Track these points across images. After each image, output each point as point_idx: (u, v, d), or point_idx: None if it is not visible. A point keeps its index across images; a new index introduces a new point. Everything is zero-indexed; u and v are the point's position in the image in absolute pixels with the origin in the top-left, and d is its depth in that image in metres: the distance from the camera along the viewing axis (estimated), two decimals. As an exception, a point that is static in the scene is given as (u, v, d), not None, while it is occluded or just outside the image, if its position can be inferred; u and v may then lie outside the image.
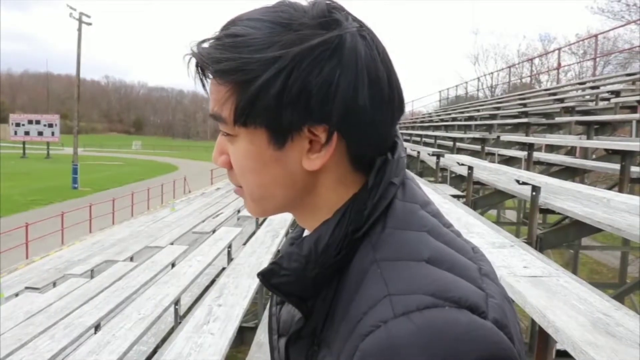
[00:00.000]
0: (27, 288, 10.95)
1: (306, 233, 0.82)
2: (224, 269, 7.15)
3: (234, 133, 0.73)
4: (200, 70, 0.76)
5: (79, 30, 35.82)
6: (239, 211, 11.16)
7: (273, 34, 0.70)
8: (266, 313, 4.73)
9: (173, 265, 8.00)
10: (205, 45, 0.74)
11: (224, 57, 0.70)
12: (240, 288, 4.99)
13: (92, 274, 10.49)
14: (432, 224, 0.73)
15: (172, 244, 10.12)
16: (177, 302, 6.17)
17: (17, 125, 68.54)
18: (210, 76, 0.74)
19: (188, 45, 0.75)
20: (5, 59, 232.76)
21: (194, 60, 0.75)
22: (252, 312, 4.85)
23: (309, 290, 0.72)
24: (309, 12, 0.71)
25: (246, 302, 4.62)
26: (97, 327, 6.04)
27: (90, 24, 36.84)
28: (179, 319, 6.24)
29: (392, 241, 0.70)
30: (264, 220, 8.63)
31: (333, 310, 0.71)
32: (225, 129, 0.74)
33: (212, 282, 7.20)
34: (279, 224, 7.49)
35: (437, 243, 0.70)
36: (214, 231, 9.43)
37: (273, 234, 7.00)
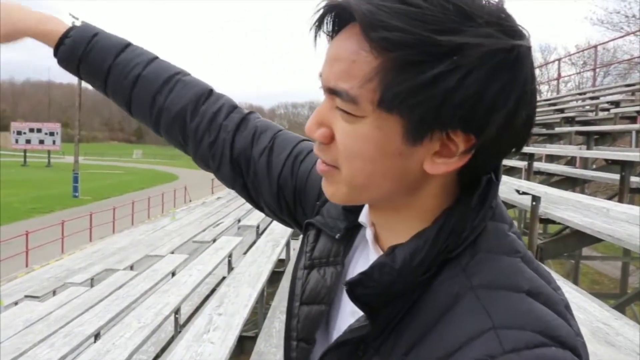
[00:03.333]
0: (26, 296, 10.93)
1: (363, 221, 0.80)
2: (224, 278, 7.15)
3: (361, 114, 0.65)
4: (331, 24, 0.68)
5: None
6: (239, 220, 11.17)
7: (455, 20, 0.61)
8: (267, 323, 4.74)
9: (173, 274, 7.99)
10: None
11: (395, 25, 0.61)
12: (240, 297, 4.99)
13: (92, 282, 10.48)
14: (523, 248, 0.70)
15: (172, 252, 10.12)
16: (177, 311, 6.17)
17: (19, 133, 68.72)
18: (345, 33, 0.66)
19: None
20: (7, 68, 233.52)
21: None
22: (252, 322, 4.86)
23: (385, 302, 0.69)
24: (486, 8, 0.63)
25: (246, 312, 4.62)
26: (97, 336, 6.03)
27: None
28: (179, 328, 6.23)
29: (488, 267, 0.67)
30: (265, 229, 8.64)
31: (402, 325, 0.68)
32: (349, 107, 0.65)
33: (213, 291, 7.20)
34: (280, 233, 7.50)
35: (531, 272, 0.67)
36: (214, 240, 9.43)
37: (274, 243, 7.00)
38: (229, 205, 18.37)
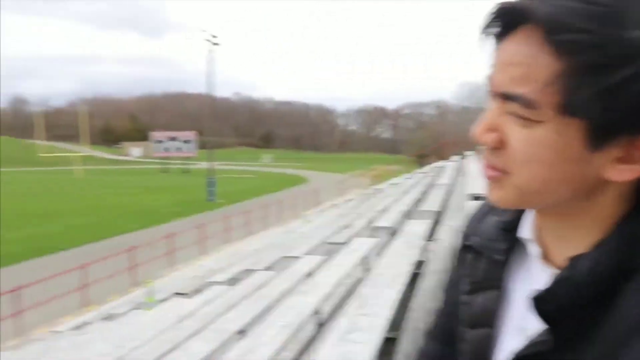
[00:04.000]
0: (176, 294, 11.70)
1: (524, 237, 0.78)
2: (361, 279, 7.24)
3: (539, 118, 0.62)
4: (503, 25, 0.65)
5: (211, 52, 37.97)
6: (371, 222, 11.23)
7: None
8: (409, 324, 4.75)
9: (310, 274, 8.20)
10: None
11: (579, 27, 0.58)
12: (381, 298, 5.03)
13: (233, 282, 10.99)
14: None
15: (308, 254, 10.37)
16: (317, 311, 6.34)
17: (159, 142, 73.76)
18: (518, 37, 0.63)
19: None
20: (146, 83, 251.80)
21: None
22: (394, 323, 4.88)
23: (568, 316, 0.67)
24: None
25: (389, 313, 4.66)
26: (242, 333, 6.34)
27: (218, 44, 38.84)
28: (320, 327, 6.40)
29: None
30: (398, 231, 8.62)
31: (585, 339, 0.66)
32: (526, 112, 0.63)
33: (351, 292, 7.32)
34: (415, 235, 7.45)
35: None
36: (348, 242, 9.56)
37: (409, 244, 6.97)
38: (360, 207, 18.52)
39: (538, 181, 0.65)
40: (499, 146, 0.66)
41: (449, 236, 8.03)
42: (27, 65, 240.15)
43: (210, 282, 11.65)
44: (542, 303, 0.68)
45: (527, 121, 0.63)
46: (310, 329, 6.48)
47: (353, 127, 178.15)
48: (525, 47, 0.61)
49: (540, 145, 0.63)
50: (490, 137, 0.67)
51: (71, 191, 46.36)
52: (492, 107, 0.67)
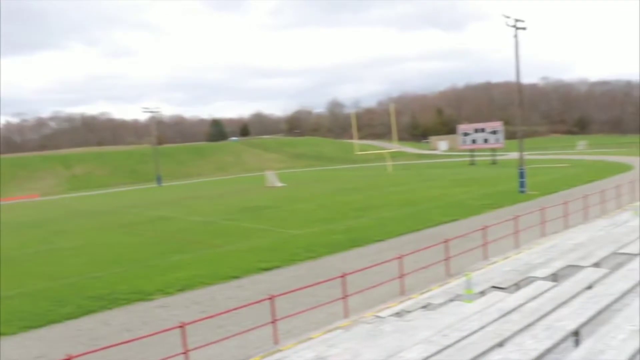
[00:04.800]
0: (493, 287, 11.50)
1: None
2: None
3: None
4: None
5: (515, 37, 36.44)
6: None
7: None
8: None
9: (654, 274, 7.26)
10: None
11: None
12: None
13: (556, 278, 10.36)
14: None
15: (645, 250, 9.24)
16: (671, 316, 5.53)
17: (465, 134, 74.06)
18: None
19: None
20: (449, 76, 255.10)
21: None
22: None
23: None
24: None
25: None
26: (576, 333, 5.86)
27: (524, 28, 37.08)
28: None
29: None
30: None
31: None
32: None
33: None
34: None
35: None
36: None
37: None
38: None
39: None
40: None
41: None
42: (340, 72, 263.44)
43: (530, 277, 11.17)
44: None
45: None
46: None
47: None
48: None
49: None
50: None
51: (383, 186, 49.41)
52: None
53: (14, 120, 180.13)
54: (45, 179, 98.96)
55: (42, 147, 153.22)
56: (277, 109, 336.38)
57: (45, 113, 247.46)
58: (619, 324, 4.93)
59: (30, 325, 14.03)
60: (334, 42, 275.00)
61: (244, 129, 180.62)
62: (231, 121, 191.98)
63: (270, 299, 11.26)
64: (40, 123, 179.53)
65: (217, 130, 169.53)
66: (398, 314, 11.74)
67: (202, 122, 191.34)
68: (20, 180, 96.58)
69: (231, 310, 12.28)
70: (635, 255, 8.97)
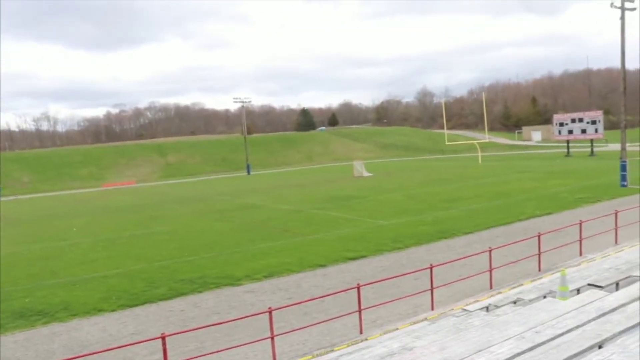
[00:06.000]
0: (589, 285, 10.95)
1: None
2: None
3: None
4: None
5: (622, 19, 34.33)
6: None
7: None
8: None
9: None
10: None
11: None
12: None
13: (660, 277, 9.73)
14: None
15: None
16: None
17: (561, 125, 70.98)
18: None
19: None
20: (546, 64, 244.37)
21: None
22: None
23: None
24: None
25: None
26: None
27: (634, 9, 34.84)
28: None
29: None
30: None
31: None
32: None
33: None
34: None
35: None
36: None
37: None
38: None
39: None
40: None
41: None
42: (430, 61, 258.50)
43: (632, 276, 10.53)
44: None
45: None
46: None
47: None
48: None
49: None
50: None
51: (473, 177, 48.24)
52: None
53: (114, 110, 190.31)
54: (142, 166, 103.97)
55: (139, 136, 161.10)
56: (366, 98, 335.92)
57: (143, 104, 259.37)
58: None
59: (126, 303, 14.76)
60: (424, 31, 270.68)
61: (333, 118, 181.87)
62: (320, 111, 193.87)
63: (357, 287, 11.24)
64: (138, 113, 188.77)
65: (306, 120, 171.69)
66: (487, 308, 11.41)
67: (291, 111, 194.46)
68: (119, 167, 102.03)
69: (317, 298, 12.37)
70: None
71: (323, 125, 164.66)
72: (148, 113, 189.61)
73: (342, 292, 12.30)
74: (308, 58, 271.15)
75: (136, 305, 14.63)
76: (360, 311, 11.15)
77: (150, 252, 22.16)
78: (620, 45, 34.31)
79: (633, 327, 5.98)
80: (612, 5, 34.07)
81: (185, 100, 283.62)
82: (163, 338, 8.66)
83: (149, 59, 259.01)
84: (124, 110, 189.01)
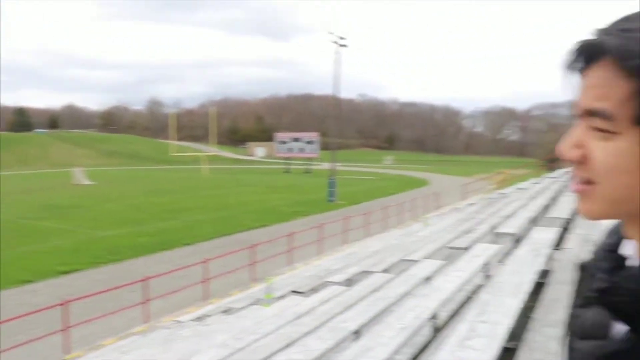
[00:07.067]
0: (292, 291, 11.94)
1: (630, 244, 0.82)
2: (481, 286, 6.99)
3: (617, 130, 0.71)
4: (584, 59, 0.75)
5: (337, 53, 38.39)
6: (494, 228, 10.86)
7: None
8: (529, 335, 4.51)
9: (429, 279, 8.06)
10: (608, 35, 0.72)
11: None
12: (502, 307, 4.81)
13: (349, 282, 11.04)
14: None
15: (427, 258, 10.20)
16: (435, 316, 6.20)
17: (282, 142, 75.94)
18: (596, 66, 0.73)
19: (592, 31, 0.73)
20: (272, 85, 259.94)
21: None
22: (514, 333, 4.65)
23: None
24: None
25: (510, 322, 4.44)
26: (358, 333, 6.33)
27: (346, 45, 39.20)
28: (436, 332, 6.26)
29: None
30: (523, 238, 8.26)
31: None
32: (606, 125, 0.72)
33: (470, 298, 7.08)
34: (541, 243, 7.09)
35: None
36: (469, 247, 9.28)
37: (535, 253, 6.64)
38: (483, 211, 17.93)
39: (622, 189, 0.72)
40: (584, 161, 0.75)
41: (578, 246, 7.55)
42: (162, 70, 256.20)
43: (327, 281, 11.77)
44: (606, 294, 0.77)
45: (607, 134, 0.72)
46: (426, 333, 6.34)
47: (479, 129, 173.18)
48: (604, 73, 0.72)
49: (621, 154, 0.71)
50: (576, 153, 0.76)
51: (198, 189, 48.91)
52: (577, 127, 0.77)
53: None
54: None
55: None
56: (93, 102, 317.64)
57: None
58: (391, 322, 5.42)
59: None
60: (159, 39, 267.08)
61: (54, 120, 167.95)
62: (39, 111, 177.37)
63: (62, 304, 10.60)
64: None
65: (22, 120, 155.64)
66: (198, 319, 11.71)
67: (5, 109, 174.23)
68: None
69: (20, 316, 11.33)
70: (416, 261, 9.91)
71: (42, 127, 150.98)
72: None
73: (48, 309, 11.47)
74: (32, 52, 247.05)
75: None
76: (66, 329, 10.53)
77: None
78: (335, 76, 38.23)
79: (317, 327, 6.73)
80: (330, 40, 37.88)
81: None
82: None
83: None
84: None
